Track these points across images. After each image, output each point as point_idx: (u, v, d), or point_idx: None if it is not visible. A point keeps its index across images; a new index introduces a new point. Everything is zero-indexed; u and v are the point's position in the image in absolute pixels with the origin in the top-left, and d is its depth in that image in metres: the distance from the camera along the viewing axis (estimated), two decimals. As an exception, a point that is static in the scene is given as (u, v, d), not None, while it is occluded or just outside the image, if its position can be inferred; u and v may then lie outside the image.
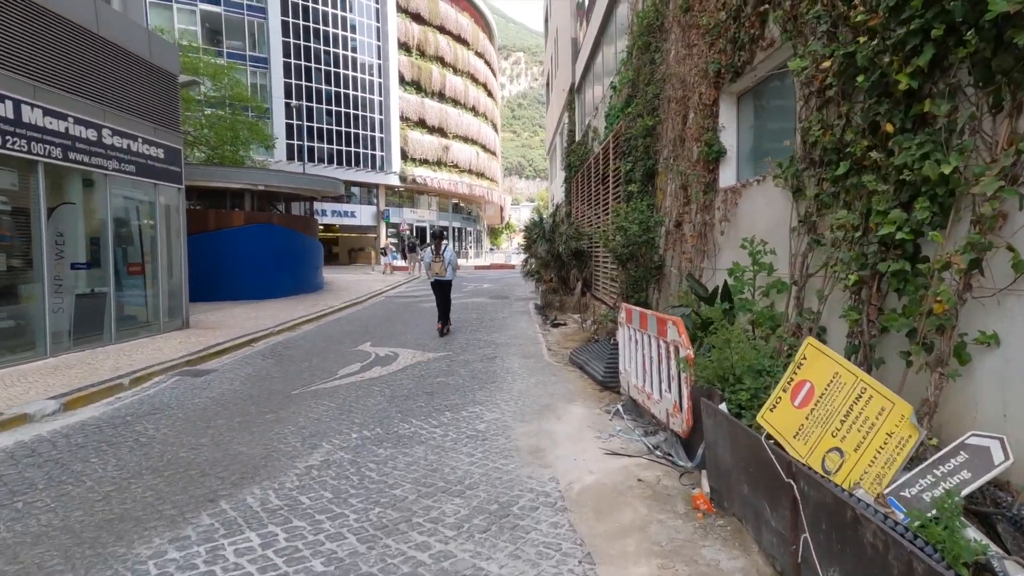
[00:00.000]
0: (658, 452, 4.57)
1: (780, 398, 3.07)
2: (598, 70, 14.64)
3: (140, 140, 9.87)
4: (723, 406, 3.54)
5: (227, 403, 6.32)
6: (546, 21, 29.90)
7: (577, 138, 18.01)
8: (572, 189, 17.82)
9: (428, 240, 41.42)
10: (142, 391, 6.95)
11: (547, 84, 30.01)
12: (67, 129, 8.38)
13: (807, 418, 2.84)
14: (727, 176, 5.73)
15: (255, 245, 17.11)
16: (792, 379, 3.04)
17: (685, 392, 4.17)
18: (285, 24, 40.43)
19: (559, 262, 14.63)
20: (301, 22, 41.32)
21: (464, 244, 59.02)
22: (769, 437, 3.03)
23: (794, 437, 2.85)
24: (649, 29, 7.93)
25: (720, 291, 5.02)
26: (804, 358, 3.01)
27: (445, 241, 11.09)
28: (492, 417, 5.72)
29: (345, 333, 11.44)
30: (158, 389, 7.04)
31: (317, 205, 43.27)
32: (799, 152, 3.98)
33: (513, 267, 42.87)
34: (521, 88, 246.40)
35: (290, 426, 5.46)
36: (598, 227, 12.90)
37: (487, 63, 61.40)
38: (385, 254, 33.20)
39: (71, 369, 7.61)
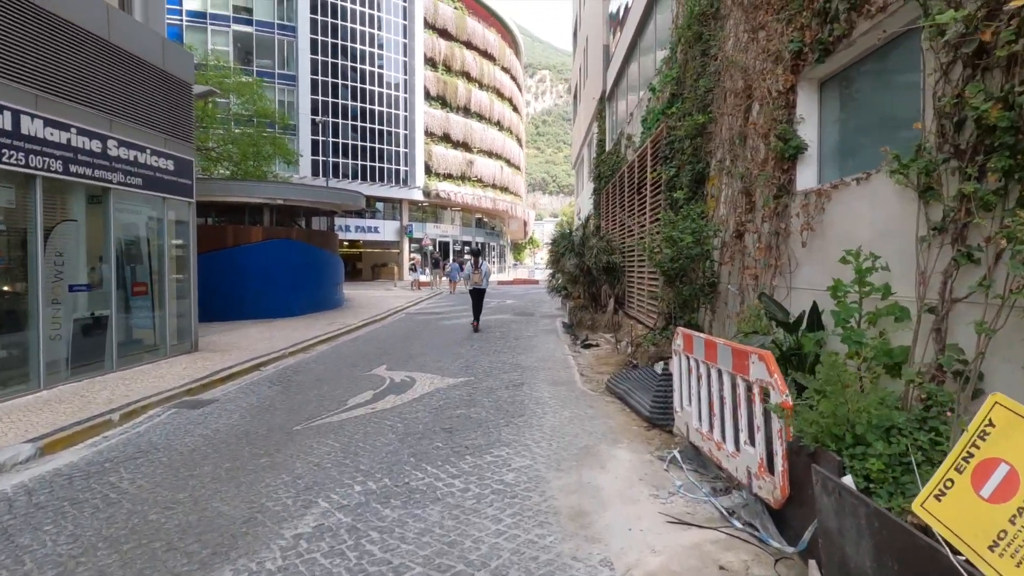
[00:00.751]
0: (736, 522, 3.59)
1: (952, 482, 2.11)
2: (632, 76, 13.80)
3: (149, 151, 9.32)
4: (848, 480, 2.57)
5: (219, 443, 5.53)
6: (575, 32, 29.30)
7: (607, 148, 17.15)
8: (602, 201, 16.93)
9: (451, 257, 40.58)
10: (132, 428, 6.20)
11: (574, 96, 29.32)
12: (69, 140, 7.82)
13: (1012, 521, 1.88)
14: (806, 177, 4.77)
15: (274, 261, 16.58)
16: (971, 455, 2.08)
17: (779, 450, 3.20)
18: (314, 42, 40.74)
19: (589, 277, 13.70)
20: (330, 40, 41.61)
21: (487, 259, 58.43)
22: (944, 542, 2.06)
23: (991, 550, 1.89)
24: (700, 19, 7.05)
25: (808, 316, 4.05)
26: (990, 424, 2.06)
27: (481, 258, 14.57)
28: (522, 464, 4.80)
29: (361, 355, 10.66)
30: (150, 425, 6.30)
31: (340, 220, 43.22)
32: (932, 140, 3.04)
33: (537, 282, 41.98)
34: (546, 105, 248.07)
35: (284, 475, 4.62)
36: (633, 240, 11.96)
37: (513, 78, 61.24)
38: (414, 269, 32.62)
39: (62, 403, 6.92)
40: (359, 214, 44.58)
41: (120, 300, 9.02)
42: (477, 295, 14.02)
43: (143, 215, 9.61)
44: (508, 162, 59.71)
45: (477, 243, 55.53)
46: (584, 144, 24.46)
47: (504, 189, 58.74)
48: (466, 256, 52.30)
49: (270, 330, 13.88)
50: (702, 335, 4.35)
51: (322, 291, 18.70)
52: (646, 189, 10.43)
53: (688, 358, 4.67)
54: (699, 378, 4.42)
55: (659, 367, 7.34)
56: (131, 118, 8.93)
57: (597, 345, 11.19)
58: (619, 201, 13.86)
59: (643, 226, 10.92)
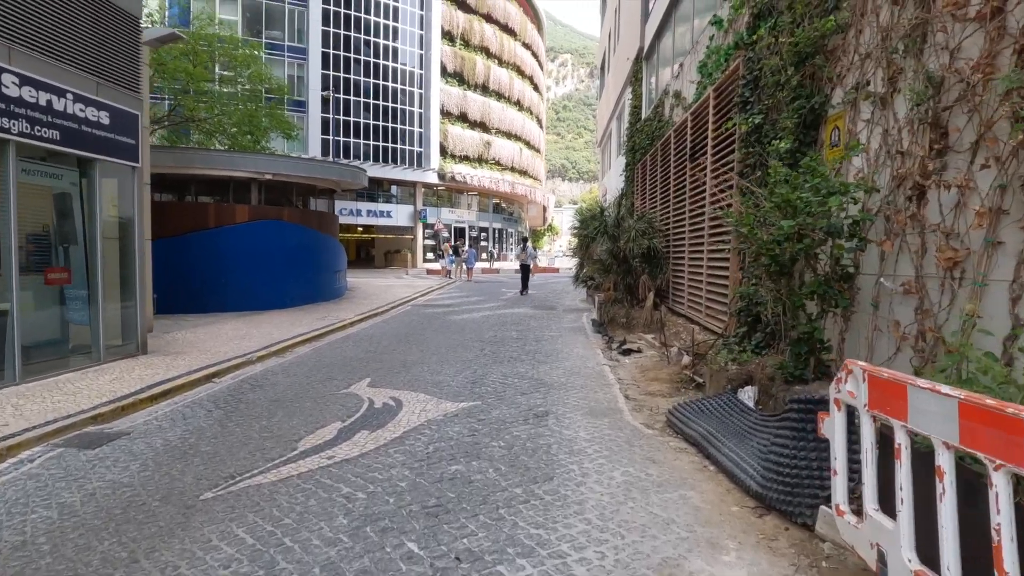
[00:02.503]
0: None
1: None
2: (681, 19, 11.37)
3: (71, 97, 7.26)
4: None
5: (66, 532, 3.46)
6: (600, -5, 26.69)
7: (644, 115, 14.75)
8: (636, 177, 14.57)
9: (467, 243, 38.35)
10: (-35, 482, 4.18)
11: (601, 67, 26.79)
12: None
13: None
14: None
15: (262, 246, 14.58)
16: None
17: None
18: (326, 13, 38.52)
19: (624, 266, 11.43)
20: (342, 10, 39.35)
21: (504, 246, 56.16)
22: None
23: None
24: None
25: None
26: None
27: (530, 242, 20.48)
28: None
29: (343, 362, 8.58)
30: (5, 480, 4.28)
31: (351, 204, 41.28)
32: None
33: (557, 271, 39.71)
34: (567, 90, 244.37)
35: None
36: (681, 218, 9.66)
37: (534, 55, 58.37)
38: (442, 256, 30.42)
39: (-101, 429, 4.95)
40: (371, 197, 42.62)
41: (30, 290, 7.02)
42: (525, 269, 20.26)
43: (64, 180, 7.57)
44: (528, 144, 57.11)
45: (496, 229, 53.34)
46: (613, 117, 22.01)
47: (523, 172, 56.22)
48: (482, 243, 50.15)
49: (249, 325, 11.89)
50: (928, 385, 2.10)
51: (319, 279, 16.69)
52: (706, 152, 8.11)
53: (883, 422, 2.43)
54: (923, 477, 2.18)
55: (747, 396, 5.11)
56: (41, 48, 6.85)
57: (638, 351, 8.94)
58: (660, 174, 11.52)
59: (699, 200, 8.62)
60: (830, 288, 3.99)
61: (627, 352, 8.85)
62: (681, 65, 10.45)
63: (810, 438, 3.40)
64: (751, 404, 4.95)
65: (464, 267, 29.27)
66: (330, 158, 37.85)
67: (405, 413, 5.86)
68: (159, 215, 13.45)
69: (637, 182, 14.18)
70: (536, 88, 59.88)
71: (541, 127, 64.01)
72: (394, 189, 44.00)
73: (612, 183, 19.66)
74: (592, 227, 11.44)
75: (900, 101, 3.81)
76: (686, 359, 7.52)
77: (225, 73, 19.39)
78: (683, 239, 9.71)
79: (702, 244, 8.33)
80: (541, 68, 63.21)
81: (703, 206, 8.36)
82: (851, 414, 2.70)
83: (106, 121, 7.81)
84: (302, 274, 15.86)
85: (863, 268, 3.96)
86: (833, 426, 2.77)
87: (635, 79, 15.77)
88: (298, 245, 15.61)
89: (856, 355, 4.19)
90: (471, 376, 7.47)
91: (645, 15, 15.11)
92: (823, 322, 4.18)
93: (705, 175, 8.09)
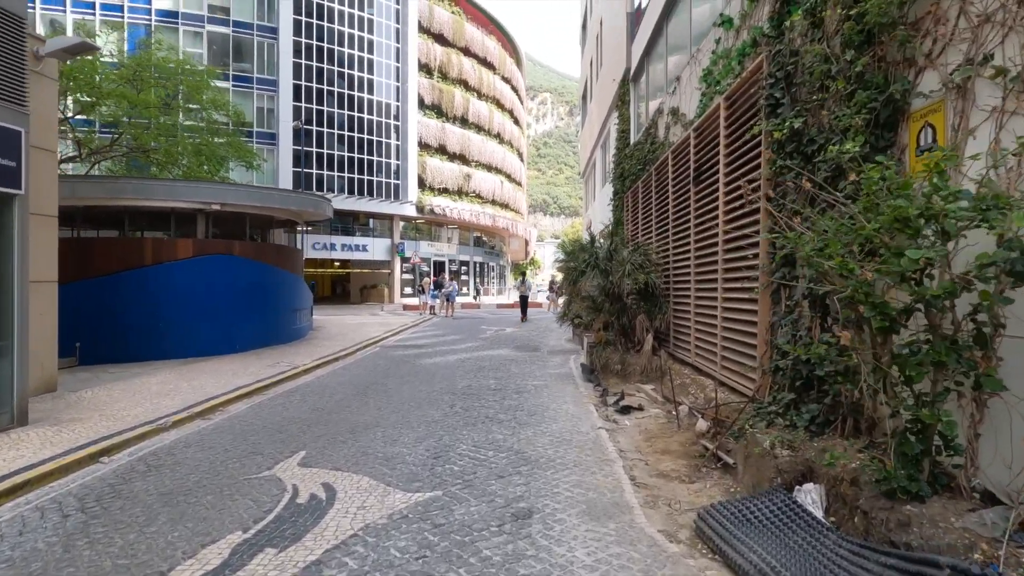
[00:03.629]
0: None
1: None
2: (674, 32, 10.30)
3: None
4: None
5: None
6: (584, 25, 26.13)
7: (633, 139, 13.64)
8: (626, 205, 13.35)
9: (448, 275, 36.93)
10: None
11: (584, 95, 26.03)
12: None
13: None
14: None
15: (208, 283, 12.95)
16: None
17: None
18: (297, 45, 37.63)
19: (618, 305, 10.04)
20: (315, 43, 38.52)
21: (487, 280, 54.78)
22: None
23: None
24: None
25: None
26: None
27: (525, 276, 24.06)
28: None
29: (280, 425, 6.95)
30: None
31: (324, 238, 39.68)
32: None
33: (540, 306, 38.25)
34: (547, 127, 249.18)
35: None
36: (684, 249, 8.35)
37: (514, 89, 58.19)
38: (423, 291, 28.83)
39: None
40: (346, 231, 41.13)
41: None
42: (524, 300, 23.94)
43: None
44: (509, 177, 56.38)
45: (477, 263, 52.04)
46: (597, 146, 21.03)
47: (504, 205, 55.29)
48: (463, 277, 48.70)
49: (183, 377, 10.18)
50: None
51: (277, 320, 15.02)
52: (716, 171, 6.84)
53: None
54: None
55: (809, 499, 3.67)
56: None
57: (639, 408, 7.45)
58: (656, 201, 10.26)
59: (708, 229, 7.31)
60: (960, 356, 2.60)
61: (626, 410, 7.36)
62: (678, 79, 9.31)
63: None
64: (819, 514, 3.48)
65: (447, 302, 27.74)
66: (295, 189, 36.46)
67: (335, 514, 4.27)
68: (83, 253, 11.81)
69: (627, 211, 12.95)
70: (516, 122, 59.59)
71: (522, 160, 63.55)
72: (371, 223, 42.57)
73: (597, 214, 18.52)
74: (581, 260, 10.06)
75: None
76: (702, 424, 6.05)
77: (178, 102, 17.93)
78: (687, 274, 8.36)
79: (714, 280, 6.97)
80: (521, 102, 63.14)
81: (714, 235, 7.03)
82: None
83: (-21, 134, 6.28)
84: (256, 314, 14.20)
85: (1010, 327, 2.58)
86: None
87: (621, 102, 14.73)
88: (252, 282, 13.99)
89: (998, 461, 2.77)
90: (434, 447, 5.90)
91: (631, 35, 14.17)
92: (940, 407, 2.76)
93: (717, 198, 6.79)
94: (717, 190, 6.84)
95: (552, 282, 27.32)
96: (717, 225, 6.82)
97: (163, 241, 12.79)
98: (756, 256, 5.59)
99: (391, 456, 5.62)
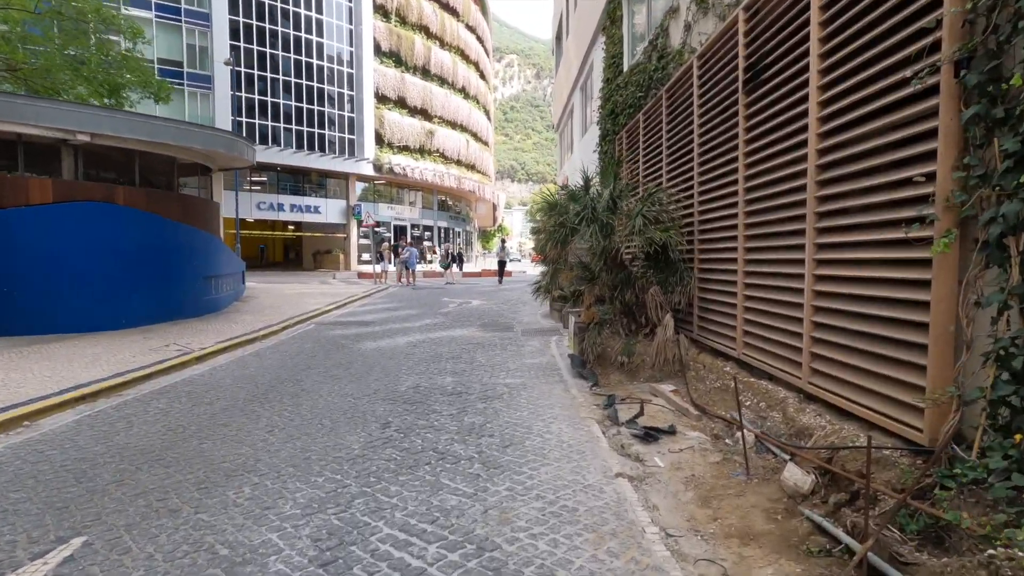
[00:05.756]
0: None
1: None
2: None
3: None
4: None
5: None
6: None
7: (627, 64, 10.88)
8: (619, 149, 10.67)
9: (409, 240, 33.83)
10: None
11: (558, 34, 22.91)
12: None
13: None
14: None
15: (79, 239, 9.86)
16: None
17: None
18: (233, -24, 33.02)
19: (622, 274, 7.45)
20: (254, -25, 33.94)
21: (453, 247, 51.66)
22: None
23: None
24: None
25: None
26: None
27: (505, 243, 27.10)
28: None
29: (76, 470, 4.15)
30: None
31: (270, 197, 35.82)
32: None
33: (510, 274, 35.61)
34: (514, 91, 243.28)
35: None
36: (712, 193, 5.78)
37: (479, 39, 54.01)
38: (381, 259, 25.96)
39: None
40: (295, 190, 37.30)
41: None
42: (501, 264, 25.55)
43: None
44: (475, 136, 52.77)
45: (441, 228, 48.81)
46: (575, 88, 18.15)
47: (471, 167, 51.84)
48: (425, 243, 45.50)
49: (7, 367, 7.21)
50: None
51: (182, 289, 11.97)
52: (799, 53, 4.19)
53: None
54: None
55: None
56: None
57: (670, 431, 4.91)
58: (670, 133, 7.62)
59: (779, 148, 4.72)
60: None
61: (651, 435, 4.82)
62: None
63: None
64: None
65: (405, 270, 24.84)
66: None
67: None
68: None
69: (623, 155, 10.26)
70: (483, 76, 55.64)
71: (489, 119, 59.80)
72: (326, 183, 38.76)
73: (577, 166, 15.80)
74: (572, 213, 7.32)
75: None
76: (796, 474, 3.53)
77: (52, 7, 13.97)
78: (730, 226, 5.80)
79: (798, 230, 4.41)
80: (487, 55, 58.99)
81: (795, 159, 4.44)
82: None
83: None
84: (151, 281, 11.14)
85: None
86: None
87: (611, 20, 11.87)
88: (144, 241, 10.89)
89: None
90: (330, 532, 3.23)
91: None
92: None
93: (804, 96, 4.17)
94: (804, 85, 4.22)
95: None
96: (805, 141, 4.22)
97: (10, 179, 9.53)
98: (928, 181, 3.02)
99: (235, 564, 2.92)
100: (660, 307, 6.90)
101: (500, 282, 24.48)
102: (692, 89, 6.72)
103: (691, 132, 6.81)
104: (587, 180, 7.70)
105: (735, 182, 5.60)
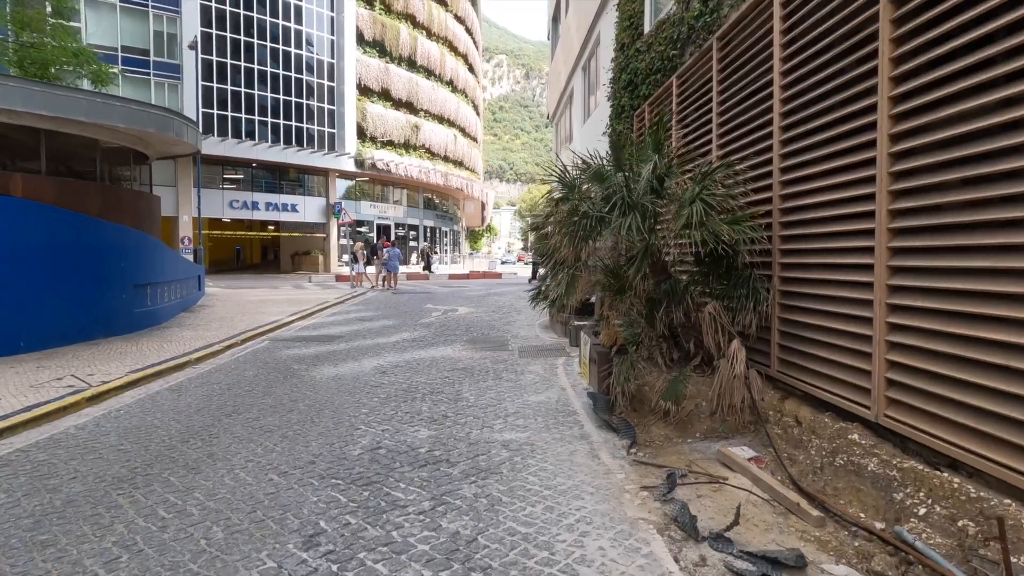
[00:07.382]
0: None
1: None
2: None
3: None
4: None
5: None
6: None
7: (650, 23, 8.88)
8: (643, 125, 8.67)
9: (391, 240, 31.65)
10: None
11: (554, 15, 20.91)
12: None
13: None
14: None
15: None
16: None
17: None
18: (204, -43, 30.63)
19: (667, 283, 5.42)
20: (227, -43, 31.58)
21: (439, 247, 49.44)
22: None
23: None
24: None
25: None
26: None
27: None
28: None
29: None
30: None
31: (244, 195, 33.43)
32: None
33: (499, 276, 33.52)
34: (503, 91, 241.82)
35: None
36: (806, 173, 3.77)
37: (468, 31, 51.81)
38: (356, 260, 23.81)
39: None
40: (271, 188, 34.92)
41: None
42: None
43: None
44: (463, 131, 50.57)
45: (428, 227, 46.59)
46: (576, 69, 16.15)
47: (458, 163, 49.62)
48: (411, 244, 43.28)
49: None
50: None
51: (105, 301, 9.77)
52: None
53: None
54: None
55: None
56: None
57: (796, 566, 2.88)
58: (734, 97, 5.60)
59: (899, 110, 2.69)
60: None
61: (761, 565, 2.78)
62: None
63: None
64: None
65: (386, 272, 22.72)
66: (215, 136, 30.05)
67: None
68: None
69: (646, 134, 8.26)
70: (472, 69, 53.46)
71: (478, 114, 57.62)
72: (305, 180, 36.40)
73: (581, 149, 13.89)
74: (597, 198, 5.21)
75: None
76: None
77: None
78: (856, 216, 3.80)
79: (1001, 229, 2.39)
80: (477, 48, 56.83)
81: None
82: None
83: None
84: (61, 292, 8.93)
85: None
86: None
87: (629, -23, 9.89)
88: (50, 240, 8.70)
89: None
90: None
91: None
92: None
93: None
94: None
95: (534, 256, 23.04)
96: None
97: None
98: None
99: None
100: (722, 332, 4.88)
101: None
102: (772, 25, 4.72)
103: (768, 88, 4.80)
104: (619, 151, 5.53)
105: (869, 153, 3.60)
